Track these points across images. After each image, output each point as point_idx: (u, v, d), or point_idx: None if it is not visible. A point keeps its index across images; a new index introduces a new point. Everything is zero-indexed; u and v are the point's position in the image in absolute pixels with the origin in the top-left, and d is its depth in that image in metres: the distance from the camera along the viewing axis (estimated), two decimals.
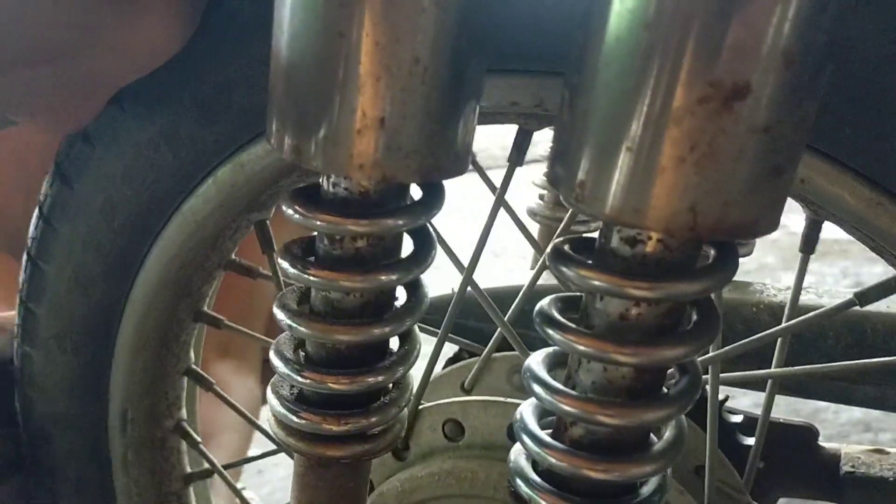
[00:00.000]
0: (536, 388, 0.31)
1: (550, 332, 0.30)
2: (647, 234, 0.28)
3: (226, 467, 0.71)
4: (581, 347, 0.29)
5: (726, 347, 0.42)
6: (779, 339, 0.43)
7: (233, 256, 0.59)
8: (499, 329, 0.48)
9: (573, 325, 0.30)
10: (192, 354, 0.67)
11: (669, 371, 0.32)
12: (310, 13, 0.28)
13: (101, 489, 0.70)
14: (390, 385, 0.36)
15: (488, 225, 0.44)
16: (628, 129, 0.26)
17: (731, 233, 0.26)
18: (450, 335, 0.49)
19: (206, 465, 0.71)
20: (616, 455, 0.31)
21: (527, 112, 0.40)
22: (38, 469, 0.70)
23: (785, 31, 0.24)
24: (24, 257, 0.62)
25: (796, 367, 0.42)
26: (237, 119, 0.48)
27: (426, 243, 0.34)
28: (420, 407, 0.51)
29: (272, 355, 0.35)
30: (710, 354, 0.42)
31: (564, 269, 0.29)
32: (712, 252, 0.30)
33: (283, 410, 0.34)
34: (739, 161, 0.25)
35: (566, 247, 0.30)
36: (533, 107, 0.40)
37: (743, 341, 0.41)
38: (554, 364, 0.33)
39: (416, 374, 0.42)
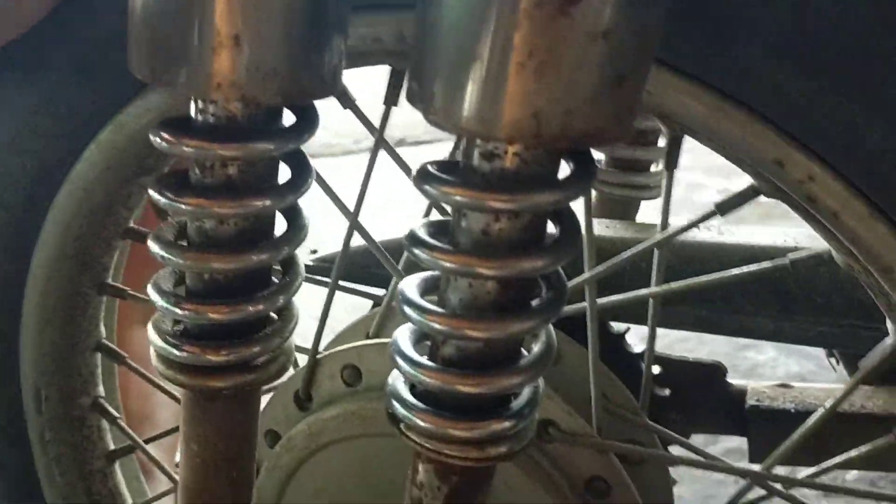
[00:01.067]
0: (408, 309, 0.32)
1: (417, 251, 0.31)
2: (504, 148, 0.29)
3: (147, 441, 0.70)
4: (446, 264, 0.30)
5: (600, 266, 0.43)
6: (655, 253, 0.44)
7: (131, 224, 0.59)
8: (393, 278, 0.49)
9: (439, 244, 0.31)
10: (101, 329, 0.66)
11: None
12: None
13: (23, 472, 0.69)
14: (274, 316, 0.37)
15: (370, 166, 0.45)
16: (472, 40, 0.26)
17: (575, 140, 0.27)
18: (342, 284, 0.50)
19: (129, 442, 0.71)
20: (486, 369, 0.32)
21: (391, 49, 0.41)
22: None
23: None
24: None
25: (674, 283, 0.44)
26: (114, 78, 0.48)
27: (302, 169, 0.35)
28: (318, 356, 0.52)
29: (150, 290, 0.35)
30: (586, 275, 0.44)
31: (428, 188, 0.30)
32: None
33: (164, 345, 0.35)
34: (579, 68, 0.26)
35: (431, 167, 0.31)
36: (396, 43, 0.40)
37: (614, 259, 0.43)
38: (427, 288, 0.33)
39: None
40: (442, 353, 0.32)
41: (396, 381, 0.34)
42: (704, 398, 0.62)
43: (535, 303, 0.32)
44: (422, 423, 0.32)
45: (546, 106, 0.26)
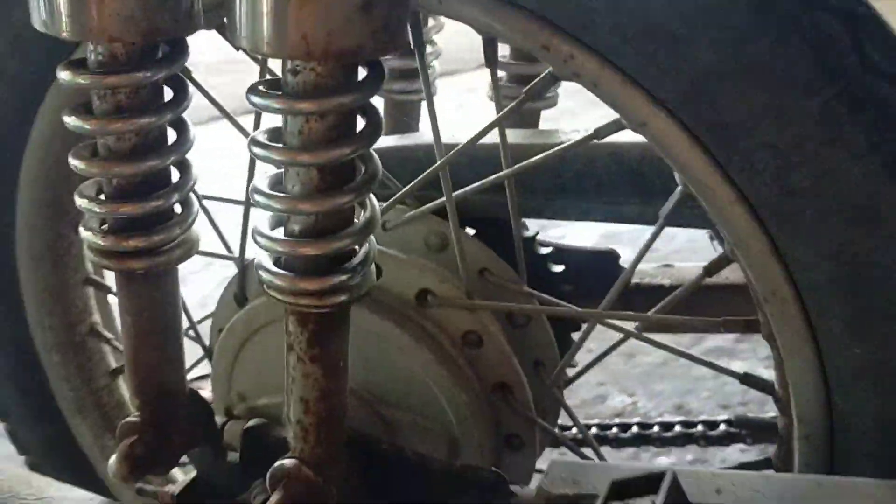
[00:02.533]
0: (258, 197, 0.42)
1: (256, 150, 0.41)
2: (300, 65, 0.38)
3: None
4: (277, 157, 0.40)
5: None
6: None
7: None
8: None
9: (271, 143, 0.41)
10: (87, 265, 0.78)
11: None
12: None
13: (40, 391, 0.82)
14: (178, 210, 0.47)
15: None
16: None
17: (339, 55, 0.36)
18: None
19: None
20: (321, 236, 0.42)
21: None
22: None
23: None
24: None
25: (520, 164, 0.53)
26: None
27: (180, 91, 0.45)
28: (245, 263, 0.63)
29: (76, 197, 0.45)
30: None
31: (255, 99, 0.39)
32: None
33: (92, 238, 0.45)
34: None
35: (260, 85, 0.40)
36: None
37: (476, 183, 0.53)
38: (272, 182, 0.43)
39: None
40: (289, 229, 0.43)
41: (261, 255, 0.44)
42: (598, 277, 0.71)
43: (352, 182, 0.42)
44: (279, 283, 0.43)
45: (311, 29, 0.35)
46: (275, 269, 0.43)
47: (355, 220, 0.43)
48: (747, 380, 0.58)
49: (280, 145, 0.40)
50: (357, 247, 0.43)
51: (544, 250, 0.71)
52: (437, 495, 0.48)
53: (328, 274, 0.42)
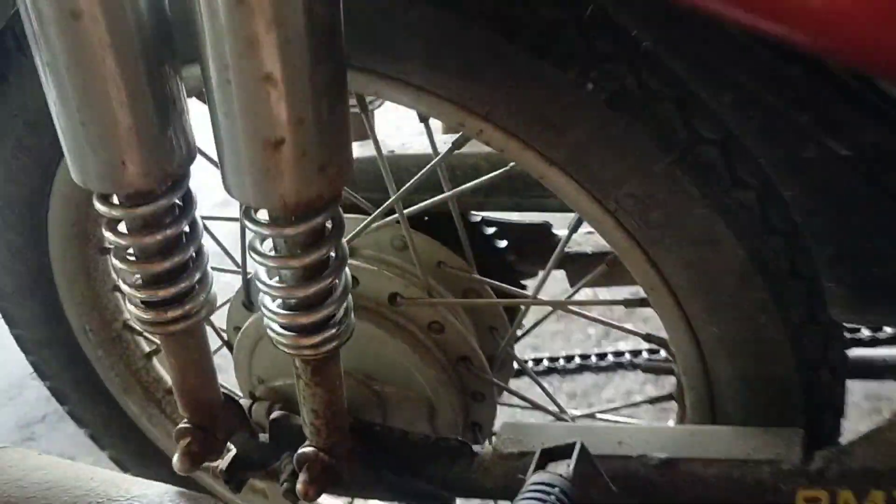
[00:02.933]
0: (262, 287, 0.56)
1: (254, 256, 0.55)
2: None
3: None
4: (271, 264, 0.54)
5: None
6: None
7: None
8: None
9: (266, 253, 0.54)
10: (113, 275, 0.93)
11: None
12: None
13: (91, 381, 0.98)
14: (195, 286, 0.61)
15: None
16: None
17: (307, 205, 0.50)
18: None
19: None
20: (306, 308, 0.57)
21: None
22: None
23: None
24: None
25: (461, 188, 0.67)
26: None
27: (188, 200, 0.59)
28: (248, 276, 0.79)
29: (122, 285, 0.60)
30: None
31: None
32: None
33: (137, 312, 0.60)
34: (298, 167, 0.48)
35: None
36: None
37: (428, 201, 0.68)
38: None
39: None
40: (287, 304, 0.57)
41: (268, 319, 0.59)
42: (536, 246, 0.86)
43: (328, 269, 0.56)
44: (285, 341, 0.58)
45: (285, 191, 0.48)
46: (281, 331, 0.58)
47: (333, 290, 0.58)
48: (649, 337, 0.75)
49: (272, 254, 0.55)
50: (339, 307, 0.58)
51: (490, 230, 0.86)
52: (419, 461, 0.66)
53: (320, 331, 0.58)
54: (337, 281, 0.57)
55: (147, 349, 1.01)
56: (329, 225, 0.54)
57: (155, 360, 1.03)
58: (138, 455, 1.02)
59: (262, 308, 0.58)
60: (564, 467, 0.56)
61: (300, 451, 0.65)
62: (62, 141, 0.51)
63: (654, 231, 0.59)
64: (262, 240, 0.54)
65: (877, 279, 0.52)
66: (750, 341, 0.61)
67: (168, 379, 1.02)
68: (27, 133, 0.74)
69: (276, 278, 0.56)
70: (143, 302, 0.60)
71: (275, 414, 0.73)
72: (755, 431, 0.61)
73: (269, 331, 0.59)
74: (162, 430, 1.01)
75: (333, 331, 0.58)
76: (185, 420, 0.70)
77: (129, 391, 1.00)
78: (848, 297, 0.54)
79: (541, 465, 0.57)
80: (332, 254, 0.56)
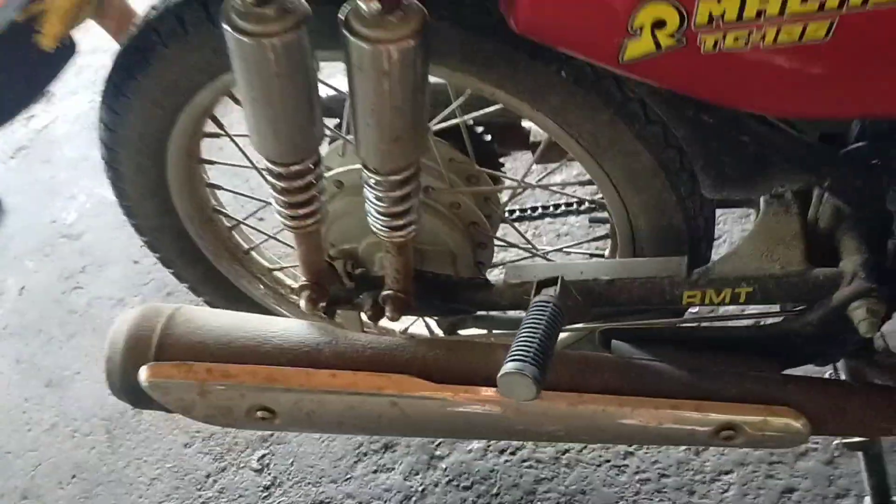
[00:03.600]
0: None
1: (370, 192, 0.91)
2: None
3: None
4: (381, 194, 0.91)
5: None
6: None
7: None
8: None
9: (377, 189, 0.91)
10: (204, 177, 1.26)
11: None
12: None
13: (192, 252, 1.34)
14: None
15: None
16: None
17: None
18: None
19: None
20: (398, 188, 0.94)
21: None
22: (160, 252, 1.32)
23: None
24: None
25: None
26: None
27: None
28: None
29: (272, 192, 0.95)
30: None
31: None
32: None
33: (284, 216, 0.96)
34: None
35: None
36: None
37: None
38: None
39: None
40: (387, 213, 0.94)
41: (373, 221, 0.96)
42: (512, 135, 1.23)
43: (409, 196, 0.93)
44: (382, 231, 0.96)
45: (395, 162, 0.84)
46: (382, 227, 0.95)
47: (411, 205, 0.94)
48: (593, 202, 1.15)
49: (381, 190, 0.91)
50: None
51: (479, 129, 1.22)
52: (458, 292, 1.07)
53: (404, 227, 0.95)
54: (413, 199, 0.94)
55: (229, 224, 1.37)
56: (411, 172, 0.90)
57: (235, 232, 1.39)
58: (226, 298, 1.41)
59: (370, 216, 0.95)
60: (552, 291, 0.97)
61: (386, 293, 1.05)
62: (254, 132, 0.85)
63: (602, 149, 0.97)
64: (376, 183, 0.90)
65: (725, 176, 0.92)
66: (657, 205, 1.02)
67: (245, 243, 1.39)
68: (163, 95, 1.05)
69: (383, 203, 0.93)
70: (292, 217, 0.96)
71: (358, 271, 1.12)
72: (659, 260, 1.04)
73: (373, 228, 0.96)
74: (245, 281, 1.39)
75: (412, 227, 0.96)
76: (304, 279, 1.08)
77: (219, 255, 1.36)
78: (710, 184, 0.94)
79: (537, 291, 0.99)
80: (411, 186, 0.92)
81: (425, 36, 0.73)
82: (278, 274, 1.42)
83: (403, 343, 1.01)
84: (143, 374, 1.01)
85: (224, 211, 1.32)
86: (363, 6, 0.70)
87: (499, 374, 0.85)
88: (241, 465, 1.63)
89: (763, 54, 0.68)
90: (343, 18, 0.74)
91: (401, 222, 0.93)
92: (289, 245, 1.22)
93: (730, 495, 1.41)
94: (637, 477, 1.46)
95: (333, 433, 1.56)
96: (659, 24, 0.67)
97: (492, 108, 1.07)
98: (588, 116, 0.92)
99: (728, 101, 0.77)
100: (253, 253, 1.39)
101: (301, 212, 0.94)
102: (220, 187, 1.29)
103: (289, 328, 1.05)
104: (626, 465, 1.47)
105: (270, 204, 0.97)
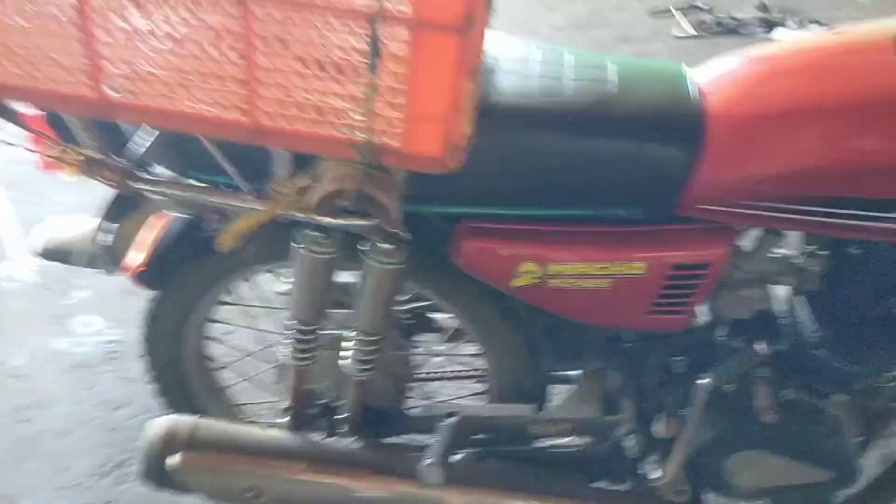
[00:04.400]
0: None
1: None
2: None
3: None
4: None
5: None
6: None
7: None
8: None
9: None
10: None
11: None
12: None
13: None
14: None
15: None
16: None
17: None
18: None
19: None
20: None
21: None
22: None
23: None
24: None
25: None
26: None
27: None
28: None
29: None
30: None
31: None
32: None
33: None
34: None
35: None
36: None
37: None
38: None
39: None
40: None
41: None
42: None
43: None
44: None
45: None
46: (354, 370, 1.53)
47: None
48: (480, 370, 1.79)
49: None
50: None
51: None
52: (389, 422, 1.64)
53: (367, 365, 1.54)
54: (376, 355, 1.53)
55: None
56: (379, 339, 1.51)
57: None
58: None
59: (343, 361, 1.53)
60: (454, 420, 1.57)
61: (342, 416, 1.60)
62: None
63: (492, 337, 1.61)
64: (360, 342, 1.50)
65: (559, 357, 1.58)
66: (519, 374, 1.66)
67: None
68: None
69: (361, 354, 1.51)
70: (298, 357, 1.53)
71: (324, 400, 1.67)
72: (519, 406, 1.66)
73: (345, 370, 1.54)
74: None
75: (370, 371, 1.55)
76: (289, 404, 1.61)
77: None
78: (551, 360, 1.60)
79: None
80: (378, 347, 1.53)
81: (408, 262, 1.37)
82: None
83: (355, 447, 1.57)
84: (178, 459, 1.49)
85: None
86: (382, 246, 1.33)
87: (423, 465, 1.43)
88: None
89: (580, 294, 1.37)
90: (366, 250, 1.36)
91: (368, 366, 1.51)
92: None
93: None
94: None
95: None
96: (530, 272, 1.35)
97: (420, 304, 1.70)
98: (493, 315, 1.57)
99: (566, 314, 1.44)
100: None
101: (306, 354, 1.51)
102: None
103: (277, 435, 1.57)
104: None
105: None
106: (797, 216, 1.27)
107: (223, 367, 1.88)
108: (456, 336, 1.77)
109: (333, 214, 1.18)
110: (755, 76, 1.33)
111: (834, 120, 1.22)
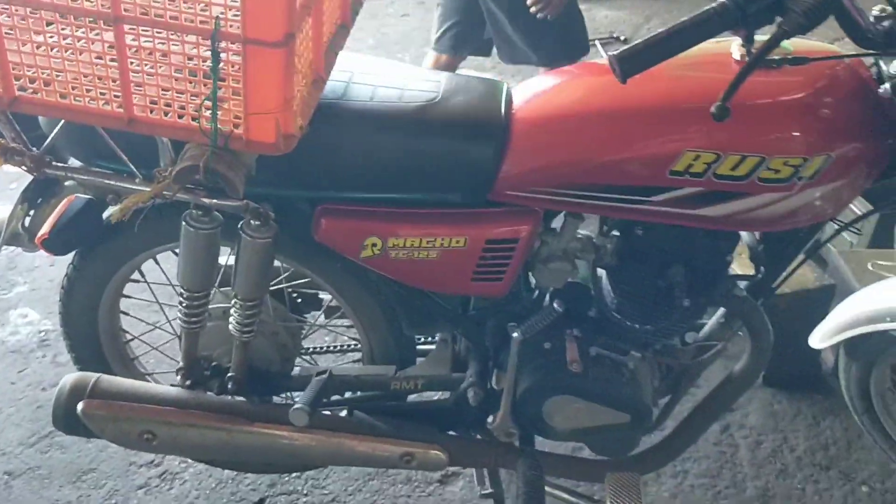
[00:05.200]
0: None
1: None
2: None
3: None
4: None
5: None
6: None
7: None
8: None
9: None
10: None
11: None
12: None
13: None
14: None
15: None
16: None
17: None
18: None
19: None
20: None
21: None
22: None
23: None
24: None
25: None
26: None
27: None
28: None
29: None
30: None
31: None
32: None
33: None
34: None
35: None
36: None
37: None
38: None
39: None
40: None
41: None
42: (295, 298, 2.16)
43: None
44: None
45: None
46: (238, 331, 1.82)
47: None
48: (354, 339, 2.08)
49: None
50: None
51: (298, 298, 2.14)
52: (270, 382, 1.92)
53: (250, 328, 1.83)
54: (256, 319, 1.83)
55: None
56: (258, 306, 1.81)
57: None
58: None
59: (232, 325, 1.82)
60: (325, 375, 1.86)
61: (230, 375, 1.89)
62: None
63: (359, 307, 1.91)
64: (242, 307, 1.80)
65: (412, 322, 1.89)
66: (384, 338, 1.96)
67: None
68: None
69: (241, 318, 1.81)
70: (187, 321, 1.81)
71: (214, 363, 1.95)
72: (382, 367, 1.96)
73: (232, 332, 1.83)
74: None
75: (252, 333, 1.84)
76: (182, 364, 1.90)
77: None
78: (407, 325, 1.90)
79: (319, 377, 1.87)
80: (257, 311, 1.82)
81: (275, 238, 1.67)
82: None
83: (239, 401, 1.85)
84: (80, 406, 1.76)
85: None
86: (253, 221, 1.63)
87: (291, 409, 1.72)
88: None
89: (415, 263, 1.68)
90: (240, 227, 1.66)
91: (249, 329, 1.80)
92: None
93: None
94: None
95: (199, 458, 2.21)
96: (373, 245, 1.66)
97: (302, 281, 2.00)
98: (355, 287, 1.87)
99: (407, 281, 1.75)
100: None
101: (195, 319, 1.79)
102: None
103: (170, 390, 1.86)
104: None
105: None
106: (583, 200, 1.60)
107: (133, 339, 2.15)
108: (334, 312, 2.07)
109: (194, 188, 1.49)
110: (551, 90, 1.67)
111: (602, 124, 1.56)
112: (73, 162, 1.68)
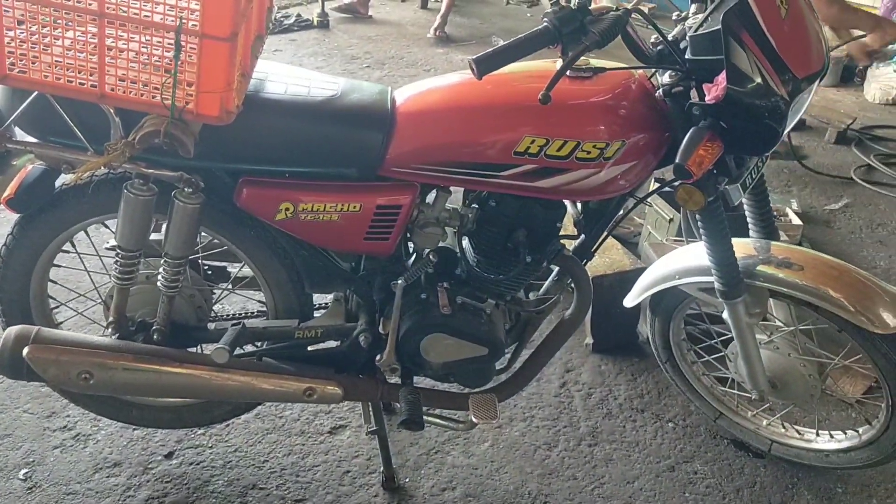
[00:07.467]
0: None
1: None
2: None
3: None
4: None
5: None
6: None
7: None
8: None
9: None
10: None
11: None
12: None
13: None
14: None
15: None
16: None
17: None
18: None
19: None
20: None
21: None
22: None
23: None
24: None
25: None
26: None
27: None
28: None
29: None
30: None
31: None
32: None
33: None
34: None
35: None
36: None
37: None
38: None
39: None
40: None
41: None
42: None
43: None
44: None
45: None
46: (164, 286, 2.17)
47: None
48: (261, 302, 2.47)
49: None
50: None
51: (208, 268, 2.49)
52: (189, 334, 2.27)
53: (175, 283, 2.18)
54: (181, 276, 2.19)
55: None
56: (183, 265, 2.17)
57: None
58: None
59: (160, 281, 2.16)
60: (239, 326, 2.24)
61: (154, 328, 2.22)
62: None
63: (266, 270, 2.31)
64: (169, 266, 2.15)
65: (311, 281, 2.31)
66: (287, 296, 2.35)
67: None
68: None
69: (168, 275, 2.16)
70: (120, 278, 2.15)
71: (140, 319, 2.28)
72: (285, 321, 2.35)
73: (160, 287, 2.17)
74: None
75: (177, 289, 2.19)
76: (112, 318, 2.21)
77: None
78: (308, 284, 2.32)
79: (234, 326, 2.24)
80: (182, 270, 2.18)
81: (203, 206, 2.06)
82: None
83: (165, 348, 2.20)
84: (26, 350, 2.05)
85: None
86: (186, 189, 2.01)
87: (214, 349, 2.09)
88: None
89: (320, 224, 2.11)
90: (174, 194, 2.03)
91: (174, 285, 2.16)
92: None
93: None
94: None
95: (130, 394, 2.42)
96: (287, 209, 2.08)
97: (217, 251, 2.37)
98: (265, 252, 2.26)
99: (312, 240, 2.18)
100: None
101: (127, 276, 2.13)
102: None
103: (103, 339, 2.17)
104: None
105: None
106: (451, 175, 2.09)
107: (60, 305, 2.43)
108: (240, 282, 2.45)
109: (137, 160, 1.88)
110: (425, 91, 2.18)
111: (464, 116, 2.07)
112: (30, 137, 2.01)
